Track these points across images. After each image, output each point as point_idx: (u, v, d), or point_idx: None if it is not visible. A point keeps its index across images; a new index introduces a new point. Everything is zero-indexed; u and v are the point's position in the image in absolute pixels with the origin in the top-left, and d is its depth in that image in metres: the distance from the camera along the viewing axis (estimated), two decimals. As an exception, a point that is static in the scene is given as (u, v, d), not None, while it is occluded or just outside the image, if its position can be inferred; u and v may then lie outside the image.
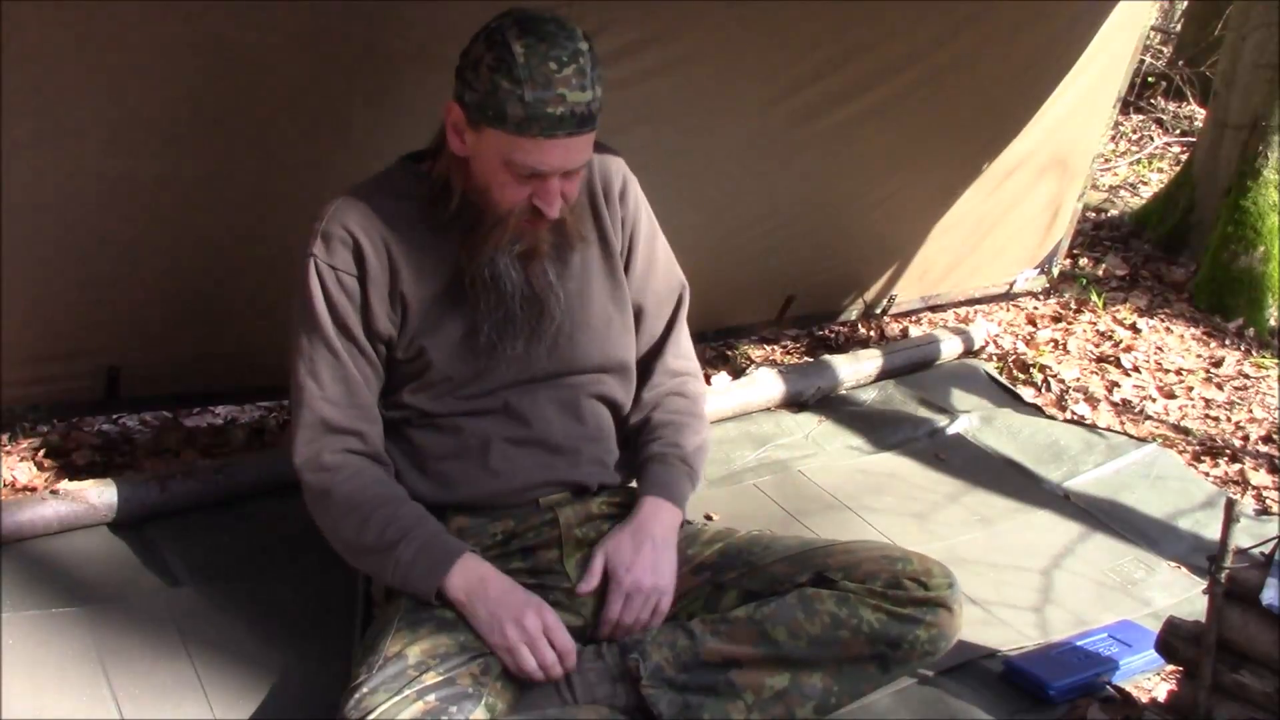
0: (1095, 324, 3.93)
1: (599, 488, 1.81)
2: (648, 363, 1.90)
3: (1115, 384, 3.47)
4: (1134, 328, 3.93)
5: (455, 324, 1.71)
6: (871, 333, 3.60)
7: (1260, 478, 2.97)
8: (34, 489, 2.27)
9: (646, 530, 1.73)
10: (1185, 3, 7.71)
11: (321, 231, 1.68)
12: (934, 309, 3.65)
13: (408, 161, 1.76)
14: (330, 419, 1.68)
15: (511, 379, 1.74)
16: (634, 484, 1.85)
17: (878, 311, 3.41)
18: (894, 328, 3.65)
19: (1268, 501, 2.86)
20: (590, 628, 1.72)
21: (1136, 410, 3.32)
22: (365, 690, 1.48)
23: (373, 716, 1.44)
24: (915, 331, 3.61)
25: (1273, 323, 4.06)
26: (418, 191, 1.71)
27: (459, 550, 1.64)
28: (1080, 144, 3.37)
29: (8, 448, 2.40)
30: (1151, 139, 6.31)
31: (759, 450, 2.72)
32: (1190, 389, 3.52)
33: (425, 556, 1.62)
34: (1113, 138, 5.84)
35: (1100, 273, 4.42)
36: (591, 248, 1.79)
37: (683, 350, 1.93)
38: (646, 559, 1.70)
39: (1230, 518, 1.64)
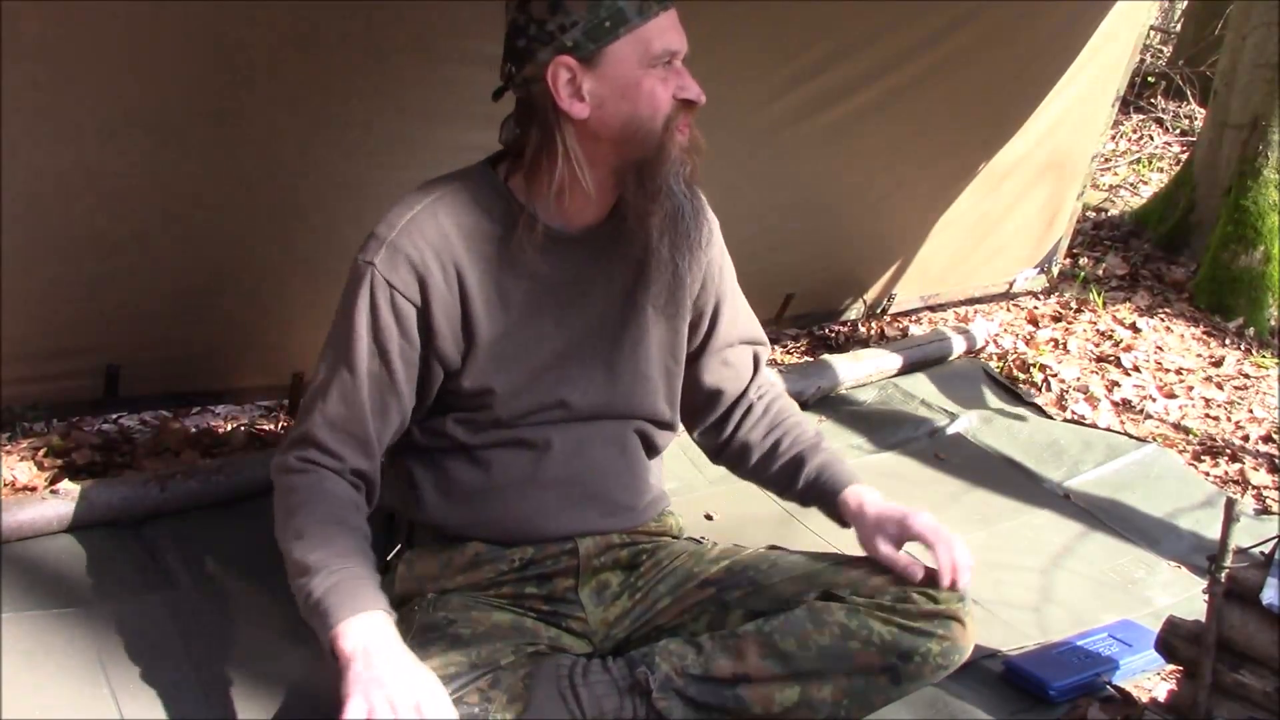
0: (1095, 323, 3.93)
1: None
2: (741, 396, 1.88)
3: (1115, 383, 3.47)
4: (1134, 327, 3.93)
5: (522, 362, 1.65)
6: (871, 332, 3.60)
7: (1260, 477, 2.97)
8: (34, 489, 2.26)
9: (883, 504, 1.72)
10: (1185, 3, 7.71)
11: (390, 242, 1.56)
12: (933, 308, 3.65)
13: (487, 168, 1.66)
14: (318, 438, 1.58)
15: (559, 418, 1.69)
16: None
17: (878, 311, 3.40)
18: (894, 327, 3.65)
19: (1268, 501, 2.85)
20: (601, 653, 1.69)
21: (1136, 410, 3.32)
22: None
23: None
24: (915, 330, 3.61)
25: (1273, 322, 4.06)
26: (501, 210, 1.62)
27: (374, 604, 1.46)
28: (1079, 143, 3.37)
29: (8, 447, 2.39)
30: (1151, 139, 6.31)
31: (759, 450, 2.71)
32: (1190, 389, 3.52)
33: (335, 594, 1.45)
34: (1112, 137, 5.85)
35: (1100, 272, 4.42)
36: (658, 299, 1.71)
37: (771, 379, 1.95)
38: (913, 510, 1.69)
39: (1230, 517, 1.64)
